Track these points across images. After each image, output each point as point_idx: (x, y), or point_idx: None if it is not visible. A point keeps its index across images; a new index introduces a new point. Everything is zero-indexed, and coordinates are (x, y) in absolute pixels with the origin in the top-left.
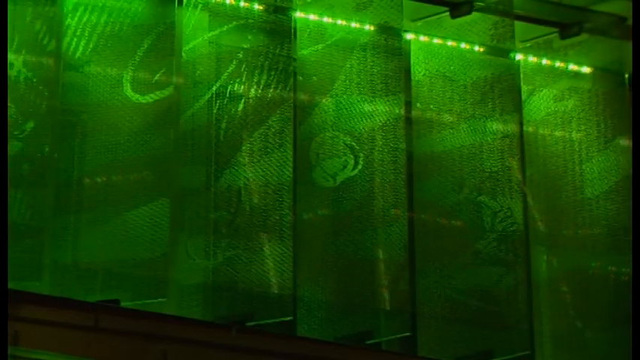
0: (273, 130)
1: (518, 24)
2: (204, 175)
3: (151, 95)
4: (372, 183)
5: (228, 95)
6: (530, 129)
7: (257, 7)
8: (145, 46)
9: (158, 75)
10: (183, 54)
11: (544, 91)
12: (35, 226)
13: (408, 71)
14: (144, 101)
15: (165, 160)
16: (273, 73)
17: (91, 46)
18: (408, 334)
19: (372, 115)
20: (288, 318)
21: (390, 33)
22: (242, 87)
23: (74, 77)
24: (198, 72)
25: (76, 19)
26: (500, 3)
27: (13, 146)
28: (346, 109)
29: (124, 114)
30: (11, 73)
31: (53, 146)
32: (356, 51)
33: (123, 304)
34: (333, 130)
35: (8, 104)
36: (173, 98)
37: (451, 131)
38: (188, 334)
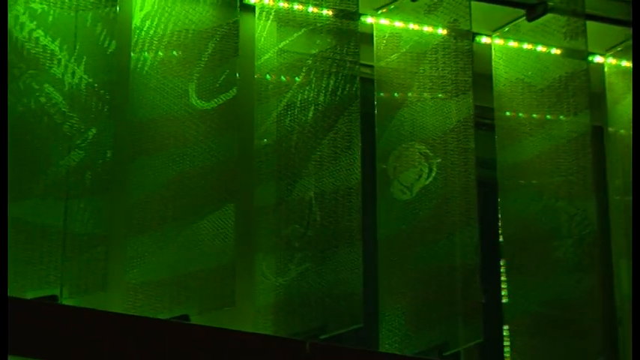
0: (341, 133)
1: (599, 31)
2: (277, 191)
3: (215, 100)
4: (444, 189)
5: (298, 105)
6: (616, 139)
7: (325, 12)
8: (209, 50)
9: (222, 78)
10: (256, 70)
11: (627, 98)
12: (99, 234)
13: (489, 77)
14: (208, 107)
15: (230, 164)
16: (340, 75)
17: (158, 59)
18: (479, 340)
19: (443, 118)
20: (358, 326)
21: (459, 32)
22: (311, 94)
23: (143, 93)
24: (271, 86)
25: (143, 33)
26: (572, 2)
27: (75, 156)
28: (420, 116)
29: (191, 123)
30: (73, 81)
31: (124, 165)
32: (428, 54)
33: (192, 319)
34: (410, 141)
35: (70, 114)
36: (237, 100)
37: (531, 139)
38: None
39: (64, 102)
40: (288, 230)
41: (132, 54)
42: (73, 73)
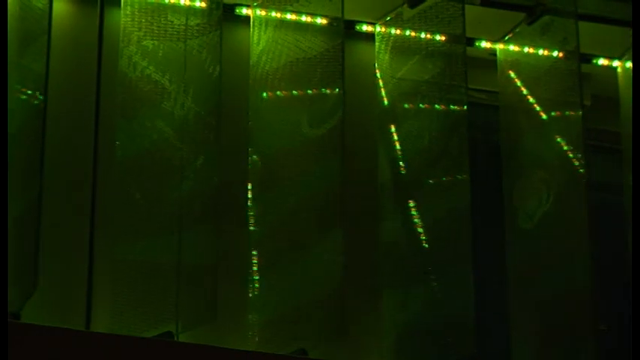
0: (451, 157)
1: None
2: (395, 225)
3: (325, 125)
4: (560, 213)
5: (415, 133)
6: None
7: (438, 37)
8: (318, 76)
9: (330, 102)
10: (379, 101)
11: None
12: (208, 263)
13: (616, 101)
14: (319, 134)
15: (336, 188)
16: (450, 99)
17: (272, 93)
18: None
19: (556, 141)
20: (472, 354)
21: (569, 53)
22: (425, 121)
23: (261, 131)
24: (390, 116)
25: (259, 69)
26: None
27: (186, 186)
28: (537, 140)
29: (303, 152)
30: (182, 113)
31: (243, 205)
32: (542, 77)
33: (310, 353)
34: (531, 167)
35: (180, 146)
36: (344, 122)
37: None
38: None
39: (175, 135)
40: (409, 263)
41: (250, 95)
42: (182, 105)
